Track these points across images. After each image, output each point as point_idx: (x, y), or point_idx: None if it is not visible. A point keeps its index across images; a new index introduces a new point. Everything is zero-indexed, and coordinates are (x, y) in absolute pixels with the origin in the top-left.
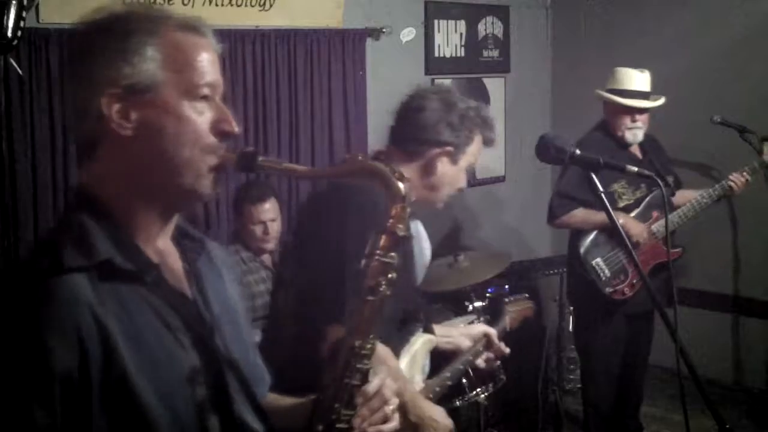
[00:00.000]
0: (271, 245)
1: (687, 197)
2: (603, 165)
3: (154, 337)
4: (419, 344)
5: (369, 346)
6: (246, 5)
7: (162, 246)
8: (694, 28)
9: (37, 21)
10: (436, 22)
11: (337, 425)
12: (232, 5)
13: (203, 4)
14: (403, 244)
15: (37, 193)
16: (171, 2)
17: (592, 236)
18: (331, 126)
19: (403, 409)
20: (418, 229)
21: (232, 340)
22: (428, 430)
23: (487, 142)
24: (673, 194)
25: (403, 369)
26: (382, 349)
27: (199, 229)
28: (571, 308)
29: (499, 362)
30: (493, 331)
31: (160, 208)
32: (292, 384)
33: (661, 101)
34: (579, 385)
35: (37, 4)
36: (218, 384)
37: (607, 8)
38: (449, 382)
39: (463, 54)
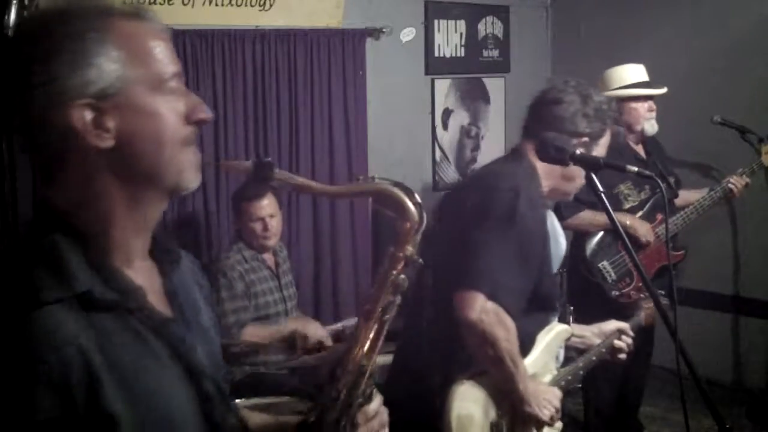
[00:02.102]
0: (272, 242)
1: (687, 198)
2: (603, 165)
3: (139, 367)
4: (554, 333)
5: (372, 365)
6: (246, 5)
7: (142, 264)
8: (694, 28)
9: None
10: (436, 22)
11: None
12: (232, 5)
13: (203, 4)
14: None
15: (37, 193)
16: (171, 2)
17: (597, 238)
18: (331, 126)
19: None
20: (553, 221)
21: (209, 355)
22: (533, 408)
23: (614, 135)
24: (676, 195)
25: (536, 355)
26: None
27: (200, 229)
28: (572, 308)
29: (625, 356)
30: (626, 326)
31: (142, 218)
32: (425, 369)
33: (665, 89)
34: (579, 385)
35: (37, 4)
36: (206, 412)
37: (607, 8)
38: (581, 372)
39: (463, 54)
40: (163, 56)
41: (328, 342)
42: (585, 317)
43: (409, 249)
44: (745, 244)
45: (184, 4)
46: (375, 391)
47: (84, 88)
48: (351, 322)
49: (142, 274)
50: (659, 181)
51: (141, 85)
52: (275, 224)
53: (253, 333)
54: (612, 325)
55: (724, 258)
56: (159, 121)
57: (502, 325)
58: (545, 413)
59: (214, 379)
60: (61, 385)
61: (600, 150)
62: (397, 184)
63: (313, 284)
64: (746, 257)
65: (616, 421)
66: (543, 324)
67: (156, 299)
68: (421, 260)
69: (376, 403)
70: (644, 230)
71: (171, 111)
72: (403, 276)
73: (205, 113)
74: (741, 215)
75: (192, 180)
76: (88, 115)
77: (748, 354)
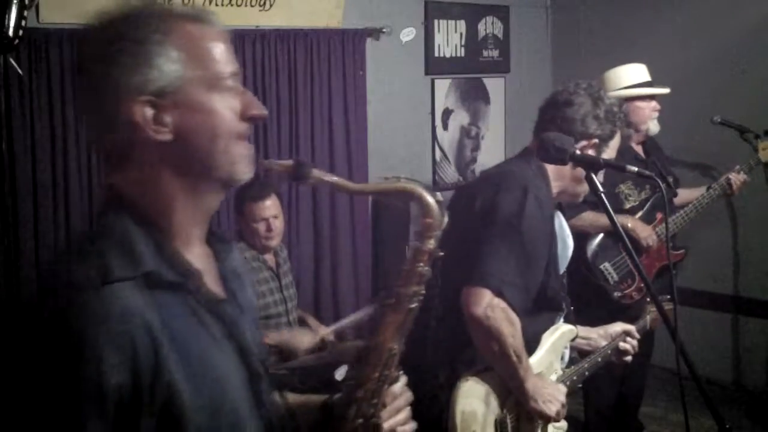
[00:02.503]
0: (274, 242)
1: (685, 197)
2: (603, 165)
3: (198, 344)
4: (559, 333)
5: (399, 349)
6: (246, 5)
7: (200, 249)
8: (694, 27)
9: (37, 21)
10: (436, 22)
11: (372, 420)
12: (232, 5)
13: (203, 4)
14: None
15: (37, 193)
16: (171, 2)
17: (598, 239)
18: (331, 126)
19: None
20: (561, 222)
21: (255, 336)
22: (539, 404)
23: (624, 138)
24: (675, 195)
25: (541, 354)
26: None
27: None
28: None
29: (630, 358)
30: (632, 329)
31: (200, 207)
32: (431, 366)
33: (668, 89)
34: (579, 385)
35: (37, 4)
36: (255, 389)
37: (607, 8)
38: (587, 373)
39: (463, 54)
40: (221, 57)
41: (329, 338)
42: (586, 319)
43: (432, 243)
44: (745, 244)
45: (184, 4)
46: (401, 372)
47: (145, 86)
48: (359, 315)
49: (199, 258)
50: (659, 181)
51: (199, 83)
52: (278, 225)
53: None
54: (618, 327)
55: (724, 258)
56: (214, 117)
57: (509, 321)
58: (551, 409)
59: (261, 359)
60: (129, 353)
61: (610, 152)
62: (420, 184)
63: (313, 284)
64: (746, 257)
65: (617, 421)
66: (549, 324)
67: (212, 282)
68: (441, 253)
69: (402, 383)
70: (646, 233)
71: (227, 108)
72: (427, 267)
73: (259, 110)
74: (741, 215)
75: (245, 172)
76: (149, 111)
77: (748, 354)
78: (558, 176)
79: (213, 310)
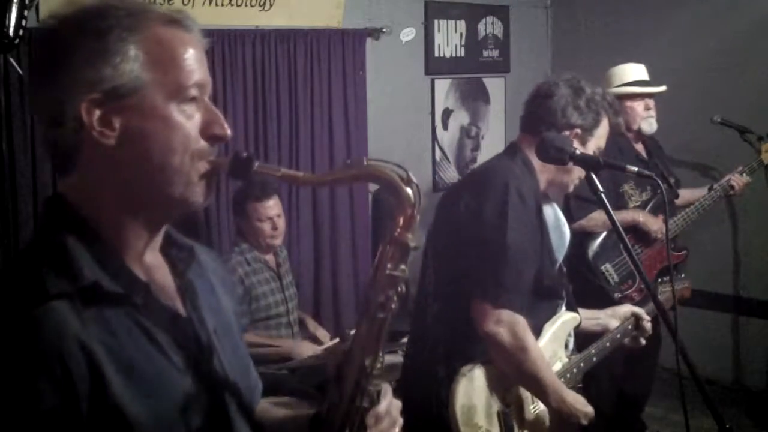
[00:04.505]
0: (278, 241)
1: (687, 198)
2: (604, 165)
3: (146, 363)
4: (561, 321)
5: (378, 365)
6: (246, 5)
7: (150, 261)
8: (694, 28)
9: (37, 21)
10: (436, 22)
11: None
12: (232, 5)
13: (203, 4)
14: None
15: (37, 193)
16: (171, 2)
17: (600, 240)
18: (331, 126)
19: (543, 396)
20: (556, 212)
21: (230, 355)
22: (570, 416)
23: (614, 127)
24: (677, 196)
25: (543, 344)
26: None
27: (200, 230)
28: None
29: (644, 341)
30: (641, 311)
31: (148, 221)
32: (431, 363)
33: (664, 87)
34: (580, 385)
35: (37, 4)
36: (217, 407)
37: (607, 8)
38: (594, 359)
39: (463, 54)
40: (189, 65)
41: (327, 341)
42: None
43: (408, 238)
44: (745, 244)
45: (184, 5)
46: (384, 390)
47: (97, 83)
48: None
49: (152, 270)
50: (659, 181)
51: (157, 89)
52: (282, 224)
53: (250, 340)
54: (626, 308)
55: (724, 258)
56: (170, 129)
57: (521, 340)
58: (583, 422)
59: (232, 386)
60: (63, 379)
61: (597, 141)
62: (387, 164)
63: (313, 284)
64: (746, 257)
65: (619, 421)
66: (551, 313)
67: (167, 296)
68: (417, 247)
69: (385, 403)
70: (656, 226)
71: (186, 121)
72: (403, 267)
73: (223, 130)
74: (741, 215)
75: (199, 194)
76: (96, 111)
77: (748, 354)
78: (544, 169)
79: (165, 327)
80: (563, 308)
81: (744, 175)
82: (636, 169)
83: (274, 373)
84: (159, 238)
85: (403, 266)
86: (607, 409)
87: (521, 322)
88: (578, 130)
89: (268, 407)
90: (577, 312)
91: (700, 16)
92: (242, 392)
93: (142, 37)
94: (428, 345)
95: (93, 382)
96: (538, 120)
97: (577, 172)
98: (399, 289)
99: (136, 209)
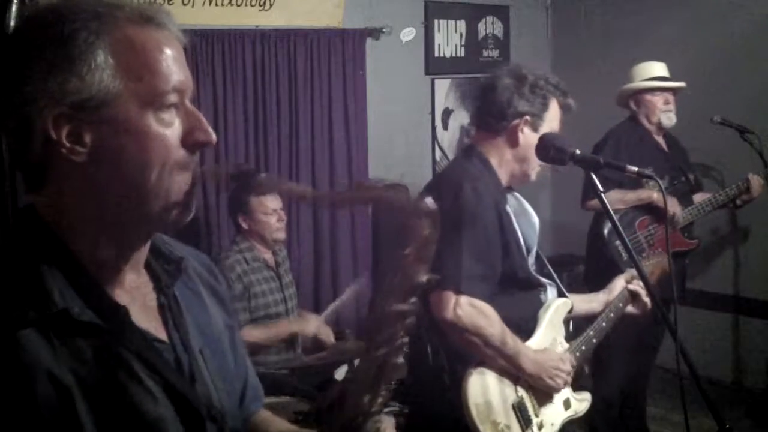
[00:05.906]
0: (284, 234)
1: (699, 199)
2: (604, 165)
3: (118, 392)
4: (554, 308)
5: (380, 400)
6: (246, 5)
7: (131, 280)
8: (694, 28)
9: None
10: (436, 22)
11: None
12: (232, 5)
13: (203, 4)
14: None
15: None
16: (171, 2)
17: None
18: (331, 126)
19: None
20: (520, 201)
21: (219, 372)
22: (551, 378)
23: (564, 108)
24: (700, 188)
25: (541, 332)
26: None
27: (200, 230)
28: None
29: (647, 301)
30: (629, 275)
31: (126, 240)
32: (435, 368)
33: (683, 83)
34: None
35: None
36: None
37: (607, 8)
38: (594, 340)
39: (463, 54)
40: (165, 68)
41: (331, 339)
42: (601, 285)
43: (424, 268)
44: (745, 244)
45: (184, 4)
46: (384, 428)
47: (62, 95)
48: (346, 296)
49: (134, 291)
50: (658, 180)
51: (131, 99)
52: (284, 217)
53: (251, 335)
54: (618, 282)
55: (724, 258)
56: (147, 141)
57: (480, 313)
58: (557, 382)
59: (215, 412)
60: (31, 413)
61: (550, 124)
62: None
63: (313, 284)
64: (746, 257)
65: (620, 421)
66: (535, 302)
67: (148, 319)
68: (432, 281)
69: None
70: (671, 202)
71: (165, 130)
72: (413, 299)
73: (206, 136)
74: (742, 215)
75: (182, 210)
76: (65, 127)
77: (748, 354)
78: (500, 163)
79: (141, 354)
80: (552, 295)
81: (761, 179)
82: (636, 169)
83: (274, 373)
84: (142, 255)
85: (413, 299)
86: (613, 398)
87: (484, 306)
88: (528, 117)
89: (271, 419)
90: (565, 295)
91: (701, 16)
92: (226, 416)
93: (111, 41)
94: (429, 354)
95: (62, 413)
96: (487, 114)
97: (534, 161)
98: (408, 320)
99: (112, 228)
